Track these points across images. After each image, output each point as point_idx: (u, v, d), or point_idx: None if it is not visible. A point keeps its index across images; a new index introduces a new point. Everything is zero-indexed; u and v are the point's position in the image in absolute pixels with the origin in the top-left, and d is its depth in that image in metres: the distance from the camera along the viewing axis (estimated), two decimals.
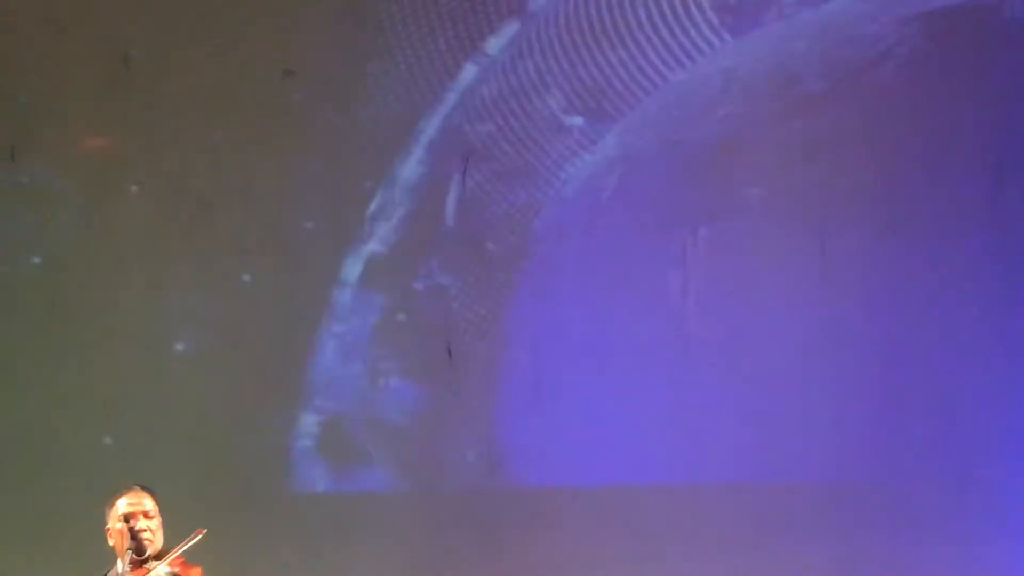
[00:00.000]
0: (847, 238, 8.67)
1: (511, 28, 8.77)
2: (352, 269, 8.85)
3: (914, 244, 8.65)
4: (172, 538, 6.08)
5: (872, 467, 8.55)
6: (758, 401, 8.61)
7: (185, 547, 5.94)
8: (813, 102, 8.74)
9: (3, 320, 8.87)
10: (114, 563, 6.12)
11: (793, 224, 8.72)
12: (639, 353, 8.73)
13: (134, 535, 6.00)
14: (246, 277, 8.87)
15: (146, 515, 6.10)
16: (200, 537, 5.94)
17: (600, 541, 8.60)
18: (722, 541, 8.52)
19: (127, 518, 6.04)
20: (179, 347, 8.86)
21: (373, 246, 8.86)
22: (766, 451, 8.57)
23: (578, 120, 8.84)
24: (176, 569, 5.90)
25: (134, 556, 6.01)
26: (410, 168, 8.86)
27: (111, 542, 6.15)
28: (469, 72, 8.78)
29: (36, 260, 8.92)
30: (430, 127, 8.86)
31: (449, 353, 8.77)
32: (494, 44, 8.79)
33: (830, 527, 8.49)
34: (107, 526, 6.17)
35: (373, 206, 8.85)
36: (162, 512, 6.15)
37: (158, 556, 6.02)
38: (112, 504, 6.14)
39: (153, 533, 6.08)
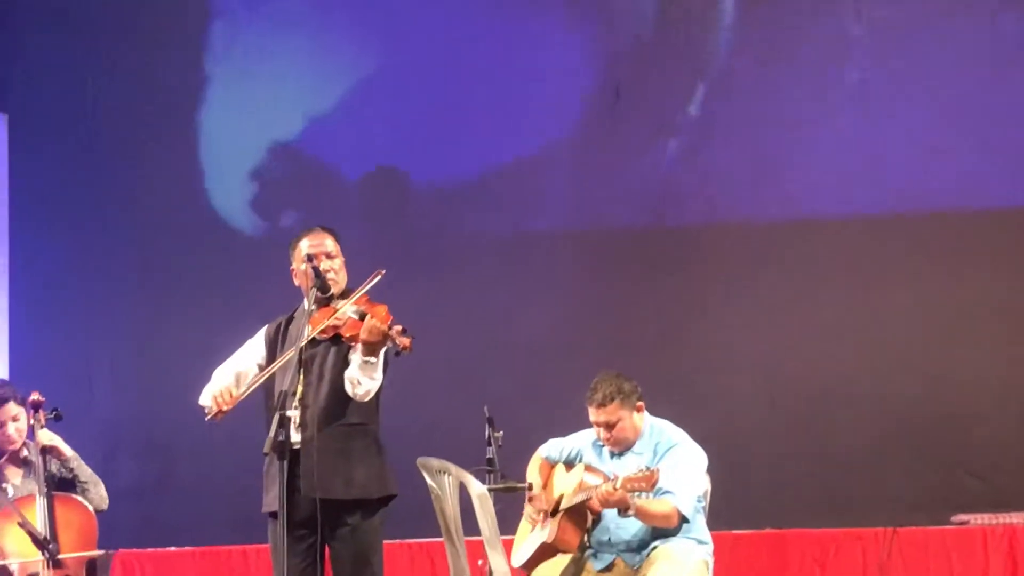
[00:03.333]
0: None
1: None
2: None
3: None
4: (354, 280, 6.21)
5: None
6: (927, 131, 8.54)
7: (367, 287, 6.01)
8: None
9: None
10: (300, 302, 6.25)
11: None
12: (805, 96, 8.66)
13: (318, 274, 6.04)
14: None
15: (328, 255, 6.14)
16: (380, 277, 6.00)
17: (761, 277, 8.62)
18: (886, 273, 8.49)
19: (310, 258, 6.10)
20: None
21: None
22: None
23: None
24: (362, 307, 5.97)
25: (319, 294, 6.10)
26: None
27: (296, 282, 6.24)
28: None
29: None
30: None
31: (617, 94, 8.75)
32: None
33: (1009, 254, 8.41)
34: (291, 266, 6.26)
35: None
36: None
37: (343, 295, 6.12)
38: (295, 245, 6.19)
39: (336, 273, 6.14)
